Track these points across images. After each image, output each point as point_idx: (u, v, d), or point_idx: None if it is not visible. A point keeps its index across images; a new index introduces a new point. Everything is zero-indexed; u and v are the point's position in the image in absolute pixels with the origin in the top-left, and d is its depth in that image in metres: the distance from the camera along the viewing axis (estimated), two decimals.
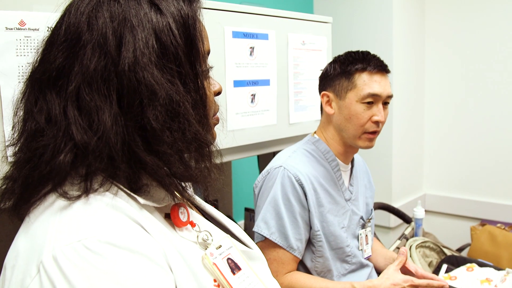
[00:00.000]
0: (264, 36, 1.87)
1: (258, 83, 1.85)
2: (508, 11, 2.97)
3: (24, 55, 1.16)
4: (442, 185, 3.33)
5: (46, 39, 0.79)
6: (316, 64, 2.13)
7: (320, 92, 1.75)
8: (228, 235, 0.92)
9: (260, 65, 1.86)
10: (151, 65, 0.73)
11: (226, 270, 0.83)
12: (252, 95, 1.83)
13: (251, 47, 1.82)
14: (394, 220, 2.87)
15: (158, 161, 0.75)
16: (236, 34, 1.76)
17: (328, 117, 1.72)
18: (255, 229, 1.62)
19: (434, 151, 3.33)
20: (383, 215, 2.73)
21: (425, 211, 3.25)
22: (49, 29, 0.81)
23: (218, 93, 0.90)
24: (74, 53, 0.74)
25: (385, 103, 1.67)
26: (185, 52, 0.77)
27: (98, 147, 0.72)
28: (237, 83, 1.78)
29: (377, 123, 1.64)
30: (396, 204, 2.90)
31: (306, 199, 1.59)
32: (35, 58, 0.79)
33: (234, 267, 0.85)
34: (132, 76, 0.72)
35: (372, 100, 1.63)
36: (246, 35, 1.80)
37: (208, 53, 0.86)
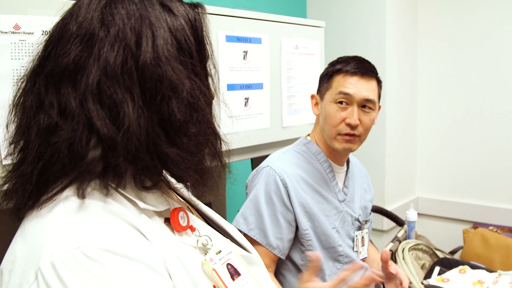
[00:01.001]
0: (258, 40, 1.88)
1: (251, 86, 1.87)
2: (501, 12, 2.99)
3: (19, 59, 1.16)
4: (435, 188, 3.34)
5: (50, 36, 0.78)
6: (309, 68, 2.15)
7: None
8: (228, 240, 0.92)
9: (253, 69, 1.87)
10: (172, 60, 0.74)
11: (226, 276, 0.83)
12: (245, 98, 1.85)
13: (244, 51, 1.83)
14: (387, 223, 2.89)
15: (181, 153, 0.75)
16: (229, 38, 1.77)
17: (317, 118, 1.76)
18: (233, 223, 1.62)
19: (427, 154, 3.34)
20: (376, 218, 2.74)
21: (418, 214, 3.26)
22: (44, 32, 0.80)
23: (212, 98, 0.91)
24: (89, 47, 0.73)
25: (364, 107, 1.64)
26: (197, 51, 0.79)
27: (125, 140, 0.71)
28: (231, 87, 1.79)
29: (350, 125, 1.63)
30: (389, 207, 2.92)
31: (290, 199, 1.61)
32: (37, 55, 0.78)
33: (234, 273, 0.85)
34: (154, 69, 0.73)
35: (345, 100, 1.62)
36: (239, 39, 1.81)
37: (209, 57, 0.87)
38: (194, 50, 0.79)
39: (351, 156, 1.85)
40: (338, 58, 1.73)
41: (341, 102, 1.63)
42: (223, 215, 2.22)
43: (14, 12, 1.15)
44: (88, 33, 0.73)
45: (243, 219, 1.63)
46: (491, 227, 2.94)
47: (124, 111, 0.71)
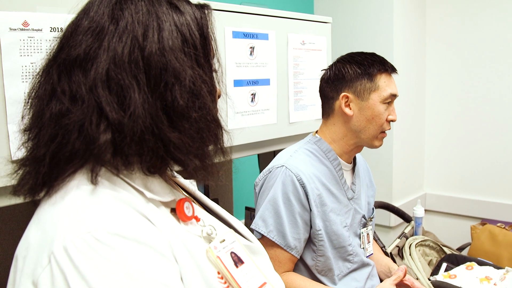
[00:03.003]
0: (264, 36, 1.89)
1: (258, 82, 1.87)
2: (510, 12, 2.98)
3: (28, 55, 1.17)
4: (442, 185, 3.34)
5: (64, 32, 0.83)
6: (316, 64, 2.15)
7: (330, 93, 1.73)
8: (232, 230, 0.95)
9: (260, 65, 1.88)
10: (176, 50, 0.79)
11: (230, 263, 0.86)
12: (252, 94, 1.85)
13: (251, 47, 1.84)
14: (395, 219, 2.88)
15: (183, 138, 0.79)
16: (236, 34, 1.78)
17: (344, 118, 1.70)
18: (253, 226, 1.63)
19: (435, 151, 3.34)
20: (384, 214, 2.74)
21: (426, 210, 3.27)
22: (53, 29, 0.84)
23: (218, 96, 0.95)
24: (100, 39, 0.78)
25: None
26: (202, 45, 0.84)
27: (131, 122, 0.75)
28: (237, 83, 1.79)
29: (390, 122, 1.71)
30: (396, 203, 2.92)
31: (308, 199, 1.60)
32: (52, 49, 0.83)
33: (237, 261, 0.88)
34: (159, 59, 0.78)
35: (390, 100, 1.69)
36: (246, 35, 1.82)
37: (214, 55, 0.91)
38: (199, 44, 0.83)
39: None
40: (360, 56, 1.72)
41: (388, 102, 1.68)
42: (230, 211, 2.23)
43: (23, 9, 1.17)
44: (99, 26, 0.79)
45: (262, 221, 1.62)
46: (499, 224, 2.94)
47: (130, 96, 0.76)
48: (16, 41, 1.16)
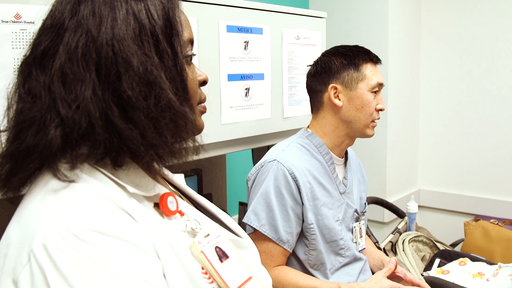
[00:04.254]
0: (259, 31, 1.88)
1: (252, 77, 1.87)
2: (504, 8, 2.98)
3: (20, 48, 1.17)
4: (436, 181, 3.35)
5: (35, 32, 0.84)
6: (310, 59, 2.14)
7: (318, 86, 1.75)
8: (218, 224, 0.94)
9: (254, 59, 1.87)
10: (127, 39, 0.78)
11: (214, 258, 0.85)
12: (246, 89, 1.85)
13: (245, 41, 1.83)
14: (388, 215, 2.89)
15: (134, 129, 0.77)
16: (230, 28, 1.77)
17: (334, 110, 1.72)
18: (245, 220, 1.64)
19: (429, 147, 3.34)
20: (377, 210, 2.75)
21: (420, 206, 3.27)
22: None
23: (203, 82, 0.93)
24: (59, 35, 0.79)
25: None
26: (163, 31, 0.82)
27: (78, 116, 0.75)
28: (231, 77, 1.79)
29: (379, 111, 1.74)
30: (390, 199, 2.92)
31: (300, 193, 1.61)
32: (27, 48, 0.84)
33: (222, 255, 0.87)
34: (109, 49, 0.77)
35: (378, 89, 1.72)
36: (240, 30, 1.81)
37: (191, 41, 0.90)
38: (160, 30, 0.81)
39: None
40: (344, 48, 1.76)
41: (375, 91, 1.72)
42: (223, 206, 2.23)
43: (15, 1, 1.16)
44: (60, 23, 0.80)
45: (254, 215, 1.63)
46: (492, 220, 2.95)
47: (79, 90, 0.76)
48: (8, 33, 1.15)
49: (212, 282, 0.82)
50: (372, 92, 1.70)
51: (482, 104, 3.11)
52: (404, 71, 3.10)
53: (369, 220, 2.73)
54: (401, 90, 3.07)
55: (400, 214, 2.53)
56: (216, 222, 0.97)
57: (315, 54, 2.17)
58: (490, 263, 2.23)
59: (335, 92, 1.71)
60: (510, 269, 2.06)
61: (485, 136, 3.12)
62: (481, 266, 2.18)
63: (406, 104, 3.18)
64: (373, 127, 1.75)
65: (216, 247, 0.87)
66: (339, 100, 1.71)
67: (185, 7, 1.42)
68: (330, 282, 1.61)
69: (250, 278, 0.90)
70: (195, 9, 1.65)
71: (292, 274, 1.61)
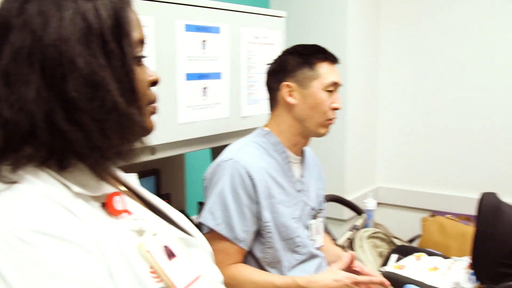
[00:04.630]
0: (217, 30, 1.88)
1: (210, 76, 1.87)
2: (460, 9, 3.07)
3: None
4: (395, 178, 3.41)
5: None
6: (269, 58, 2.15)
7: (274, 84, 1.77)
8: (166, 223, 0.94)
9: (212, 59, 1.87)
10: (74, 40, 0.76)
11: (161, 257, 0.84)
12: (204, 88, 1.84)
13: (203, 41, 1.83)
14: (347, 213, 2.92)
15: (78, 131, 0.76)
16: (188, 28, 1.77)
17: (288, 108, 1.74)
18: (200, 219, 1.64)
19: (388, 145, 3.40)
20: (336, 208, 2.78)
21: (379, 203, 3.33)
22: None
23: (154, 83, 0.91)
24: (4, 35, 0.77)
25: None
26: (112, 31, 0.80)
27: (21, 117, 0.74)
28: (190, 76, 1.78)
29: (335, 110, 1.74)
30: (349, 197, 2.96)
31: (256, 191, 1.62)
32: None
33: (170, 254, 0.87)
34: (55, 49, 0.75)
35: (333, 88, 1.72)
36: (198, 29, 1.81)
37: (141, 42, 0.88)
38: (107, 30, 0.80)
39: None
40: (302, 47, 1.78)
41: (330, 90, 1.72)
42: (182, 206, 2.22)
43: None
44: (5, 23, 0.78)
45: (210, 214, 1.63)
46: (448, 215, 3.03)
47: (22, 91, 0.74)
48: None
49: (160, 281, 0.82)
50: (326, 91, 1.71)
51: (438, 103, 3.19)
52: (363, 70, 3.15)
53: (328, 218, 2.75)
54: (360, 89, 3.11)
55: (358, 211, 2.57)
56: (168, 221, 0.97)
57: (274, 53, 2.18)
58: (446, 257, 2.28)
59: (290, 90, 1.72)
60: (464, 262, 2.11)
61: (441, 134, 3.19)
62: (436, 260, 2.24)
63: (365, 103, 3.22)
64: (328, 126, 1.76)
65: (164, 246, 0.87)
66: (294, 98, 1.72)
67: (141, 6, 1.41)
68: (285, 277, 1.62)
69: (199, 276, 0.90)
70: (153, 8, 1.64)
71: (248, 271, 1.63)
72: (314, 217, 1.82)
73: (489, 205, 1.97)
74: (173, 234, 0.92)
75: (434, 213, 3.15)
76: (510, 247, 1.86)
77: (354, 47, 3.00)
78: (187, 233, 1.01)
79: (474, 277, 1.95)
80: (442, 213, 3.09)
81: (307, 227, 1.79)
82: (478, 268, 1.93)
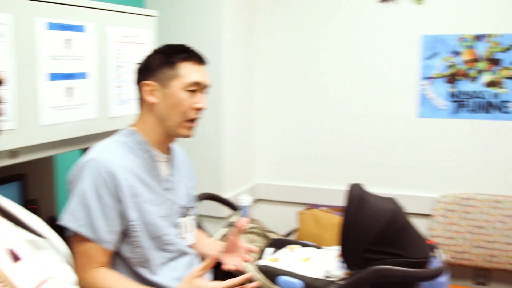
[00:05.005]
0: (81, 28, 1.83)
1: (75, 76, 1.81)
2: (329, 8, 3.23)
3: None
4: (272, 174, 3.50)
5: None
6: (138, 58, 2.13)
7: (139, 83, 1.77)
8: (13, 225, 0.91)
9: (77, 58, 1.82)
10: None
11: (4, 261, 0.81)
12: (69, 88, 1.78)
13: (68, 40, 1.77)
14: (225, 210, 2.96)
15: None
16: (52, 26, 1.70)
17: (150, 107, 1.73)
18: (61, 222, 1.59)
19: (264, 143, 3.49)
20: (214, 206, 2.80)
21: (258, 200, 3.42)
22: None
23: None
24: None
25: (202, 92, 1.76)
26: None
27: None
28: (53, 76, 1.72)
29: (198, 110, 1.73)
30: (228, 194, 3.00)
31: (119, 190, 1.60)
32: None
33: (15, 258, 0.84)
34: None
35: (196, 88, 1.71)
36: (62, 27, 1.75)
37: None
38: None
39: (175, 145, 1.89)
40: (167, 46, 1.78)
41: (192, 90, 1.70)
42: (52, 211, 2.13)
43: None
44: None
45: (71, 216, 1.59)
46: (323, 208, 3.18)
47: None
48: None
49: (4, 286, 0.79)
50: (187, 90, 1.71)
51: (310, 101, 3.34)
52: (238, 70, 3.20)
53: (206, 216, 2.77)
54: (235, 88, 3.16)
55: (234, 207, 2.61)
56: (17, 224, 0.93)
57: (144, 52, 2.16)
58: (318, 248, 2.39)
59: (151, 90, 1.72)
60: (335, 251, 2.22)
61: (314, 131, 3.35)
62: (309, 251, 2.34)
63: (241, 102, 3.28)
64: (190, 127, 1.75)
65: (8, 249, 0.84)
66: (155, 97, 1.72)
67: (0, 2, 1.34)
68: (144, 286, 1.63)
69: (47, 279, 0.88)
70: (11, 4, 1.56)
71: (109, 278, 1.61)
72: (184, 215, 1.83)
73: (354, 195, 2.10)
74: (20, 237, 0.89)
75: (310, 206, 3.29)
76: (373, 234, 1.99)
77: (229, 46, 3.05)
78: (39, 235, 0.98)
79: (343, 264, 2.06)
80: (318, 206, 3.24)
81: (176, 225, 1.80)
82: (345, 255, 2.04)
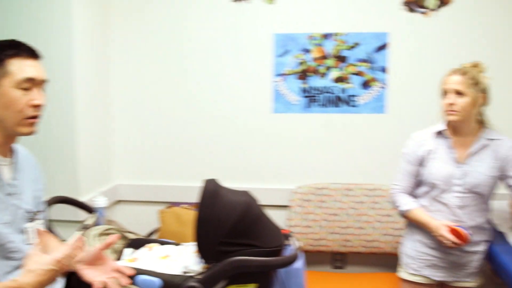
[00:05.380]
0: None
1: None
2: (188, 9, 3.25)
3: None
4: (132, 174, 3.46)
5: None
6: None
7: None
8: None
9: None
10: None
11: None
12: None
13: None
14: (82, 214, 2.86)
15: None
16: None
17: None
18: None
19: (123, 143, 3.44)
20: (70, 209, 2.69)
21: (119, 201, 3.36)
22: None
23: None
24: None
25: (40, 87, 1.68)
26: None
27: None
28: None
29: (36, 107, 1.65)
30: (86, 197, 2.90)
31: None
32: None
33: None
34: None
35: (29, 85, 1.63)
36: None
37: None
38: None
39: (19, 146, 1.80)
40: None
41: (26, 88, 1.62)
42: None
43: None
44: None
45: None
46: (183, 205, 3.19)
47: None
48: None
49: None
50: (20, 88, 1.62)
51: (166, 100, 3.37)
52: (92, 67, 3.10)
53: (63, 221, 2.66)
54: (90, 86, 3.06)
55: (90, 210, 2.54)
56: None
57: None
58: (177, 244, 2.40)
59: None
60: (193, 247, 2.24)
61: (171, 129, 3.39)
62: (168, 248, 2.34)
63: (97, 101, 3.19)
64: (31, 124, 1.67)
65: None
66: None
67: None
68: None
69: None
70: None
71: None
72: (31, 220, 1.75)
73: (208, 190, 2.13)
74: None
75: (172, 204, 3.29)
76: (227, 227, 2.03)
77: (82, 43, 2.94)
78: None
79: (201, 259, 2.08)
80: (179, 204, 3.25)
81: (23, 231, 1.71)
82: (201, 249, 2.06)
